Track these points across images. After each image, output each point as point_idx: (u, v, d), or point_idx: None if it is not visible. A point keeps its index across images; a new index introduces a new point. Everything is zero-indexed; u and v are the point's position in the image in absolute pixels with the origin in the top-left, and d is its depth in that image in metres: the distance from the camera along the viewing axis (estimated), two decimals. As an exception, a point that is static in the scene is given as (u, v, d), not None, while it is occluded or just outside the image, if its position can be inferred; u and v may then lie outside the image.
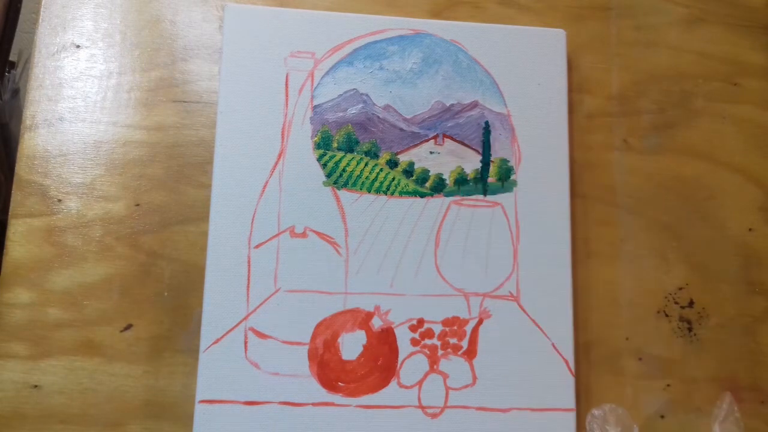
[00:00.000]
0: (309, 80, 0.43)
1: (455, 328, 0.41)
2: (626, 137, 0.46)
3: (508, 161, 0.43)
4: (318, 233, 0.41)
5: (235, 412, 0.38)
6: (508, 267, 0.42)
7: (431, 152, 0.43)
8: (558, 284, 0.42)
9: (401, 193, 0.42)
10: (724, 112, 0.48)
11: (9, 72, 0.51)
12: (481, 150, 0.43)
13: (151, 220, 0.42)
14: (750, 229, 0.46)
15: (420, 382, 0.40)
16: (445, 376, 0.40)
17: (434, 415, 0.40)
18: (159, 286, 0.41)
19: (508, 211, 0.43)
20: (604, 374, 0.43)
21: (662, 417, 0.43)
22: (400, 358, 0.40)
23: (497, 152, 0.43)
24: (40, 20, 0.44)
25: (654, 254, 0.45)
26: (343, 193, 0.42)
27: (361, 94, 0.43)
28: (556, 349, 0.41)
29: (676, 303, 0.45)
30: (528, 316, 0.41)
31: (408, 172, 0.43)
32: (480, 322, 0.41)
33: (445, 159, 0.43)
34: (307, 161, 0.42)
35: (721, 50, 0.49)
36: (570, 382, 0.41)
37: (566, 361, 0.41)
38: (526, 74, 0.44)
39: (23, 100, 0.44)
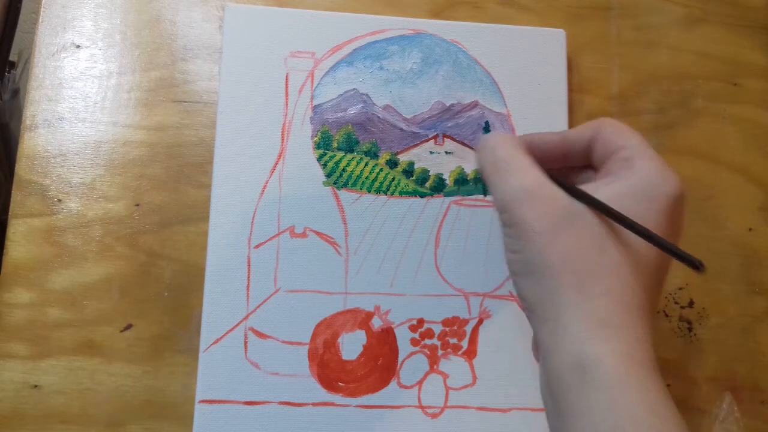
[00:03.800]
0: (309, 80, 0.43)
1: (455, 328, 0.41)
2: (626, 137, 0.46)
3: (508, 161, 0.43)
4: (318, 233, 0.41)
5: (235, 412, 0.38)
6: (508, 267, 0.42)
7: (431, 152, 0.43)
8: (558, 284, 0.42)
9: (401, 193, 0.42)
10: (724, 112, 0.48)
11: (9, 72, 0.51)
12: (481, 150, 0.43)
13: (151, 220, 0.42)
14: (750, 229, 0.46)
15: (420, 382, 0.40)
16: (445, 376, 0.40)
17: (434, 415, 0.40)
18: (159, 286, 0.41)
19: (508, 211, 0.42)
20: (604, 374, 0.43)
21: (662, 417, 0.42)
22: (400, 358, 0.40)
23: (497, 152, 0.43)
24: (40, 20, 0.44)
25: (654, 254, 0.45)
26: (343, 193, 0.42)
27: (361, 94, 0.43)
28: (556, 349, 0.41)
29: (676, 303, 0.44)
30: (528, 316, 0.41)
31: (408, 172, 0.43)
32: (480, 322, 0.41)
33: (445, 159, 0.43)
34: (307, 161, 0.42)
35: (721, 50, 0.49)
36: (570, 382, 0.41)
37: (566, 361, 0.41)
38: (526, 74, 0.44)
39: (23, 100, 0.44)
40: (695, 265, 0.25)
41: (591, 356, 0.25)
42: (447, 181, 0.43)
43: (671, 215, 0.28)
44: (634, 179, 0.28)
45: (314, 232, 0.41)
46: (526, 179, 0.28)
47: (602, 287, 0.26)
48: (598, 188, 0.28)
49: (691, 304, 0.45)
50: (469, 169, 0.43)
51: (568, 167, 0.34)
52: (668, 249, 0.26)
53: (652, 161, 0.29)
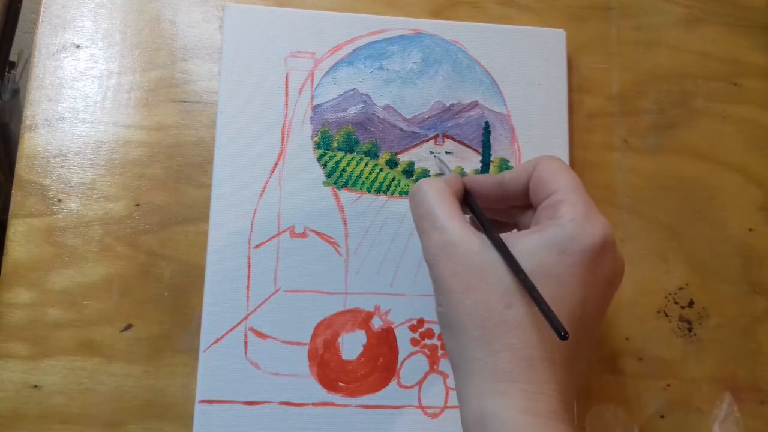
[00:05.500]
0: (309, 80, 0.43)
1: (455, 328, 0.41)
2: (626, 137, 0.46)
3: (508, 161, 0.43)
4: (318, 233, 0.41)
5: (235, 412, 0.38)
6: (508, 267, 0.42)
7: (431, 152, 0.43)
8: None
9: (401, 193, 0.42)
10: (724, 112, 0.48)
11: (9, 72, 0.51)
12: (481, 150, 0.43)
13: (151, 220, 0.42)
14: (750, 229, 0.46)
15: (420, 382, 0.40)
16: (445, 376, 0.40)
17: (434, 415, 0.40)
18: (159, 286, 0.41)
19: (508, 211, 0.42)
20: (604, 374, 0.43)
21: (662, 417, 0.43)
22: (400, 358, 0.40)
23: (497, 152, 0.43)
24: (40, 20, 0.44)
25: (654, 254, 0.45)
26: (343, 193, 0.42)
27: (361, 94, 0.43)
28: (556, 349, 0.41)
29: (676, 303, 0.45)
30: (528, 316, 0.41)
31: (408, 172, 0.43)
32: (480, 322, 0.41)
33: (445, 159, 0.43)
34: (307, 161, 0.42)
35: (721, 50, 0.49)
36: (570, 382, 0.41)
37: (566, 361, 0.41)
38: (526, 74, 0.44)
39: (23, 100, 0.44)
40: (559, 333, 0.25)
41: (489, 410, 0.26)
42: (447, 181, 0.42)
43: (589, 267, 0.27)
44: (553, 230, 0.28)
45: (314, 232, 0.41)
46: (446, 234, 0.29)
47: (504, 342, 0.27)
48: (519, 239, 0.28)
49: (691, 304, 0.45)
50: (469, 169, 0.43)
51: (511, 207, 0.33)
52: (543, 311, 0.26)
53: (576, 209, 0.28)
